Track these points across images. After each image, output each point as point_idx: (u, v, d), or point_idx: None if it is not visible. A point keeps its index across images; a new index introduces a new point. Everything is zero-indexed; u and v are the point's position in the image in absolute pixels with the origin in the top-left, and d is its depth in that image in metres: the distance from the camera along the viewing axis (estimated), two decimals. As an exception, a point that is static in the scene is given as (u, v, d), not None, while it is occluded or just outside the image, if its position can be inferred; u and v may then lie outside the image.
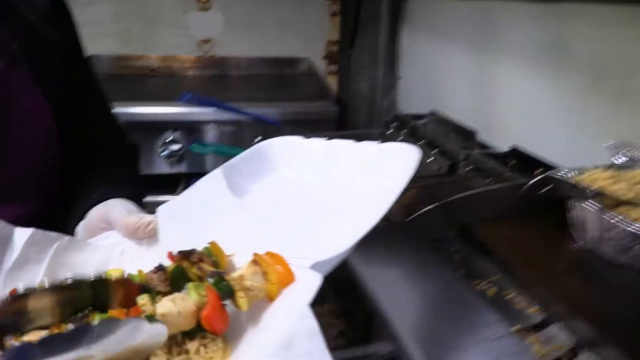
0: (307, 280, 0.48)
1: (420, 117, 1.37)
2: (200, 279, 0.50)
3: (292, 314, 0.43)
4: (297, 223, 0.66)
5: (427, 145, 1.22)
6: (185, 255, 0.51)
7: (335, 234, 0.60)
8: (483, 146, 1.21)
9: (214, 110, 1.74)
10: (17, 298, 0.42)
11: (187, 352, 0.46)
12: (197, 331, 0.47)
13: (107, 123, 0.86)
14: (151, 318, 0.44)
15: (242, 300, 0.47)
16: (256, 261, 0.50)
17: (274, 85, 2.23)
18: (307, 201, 0.72)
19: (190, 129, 1.76)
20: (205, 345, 0.47)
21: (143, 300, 0.46)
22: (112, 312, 0.44)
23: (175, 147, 1.73)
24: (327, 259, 0.52)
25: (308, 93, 2.14)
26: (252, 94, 2.04)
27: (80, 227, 0.65)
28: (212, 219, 0.61)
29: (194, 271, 0.49)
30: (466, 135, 1.19)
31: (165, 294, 0.49)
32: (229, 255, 0.56)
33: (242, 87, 2.17)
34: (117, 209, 0.64)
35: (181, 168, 1.79)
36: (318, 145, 0.79)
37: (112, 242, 0.62)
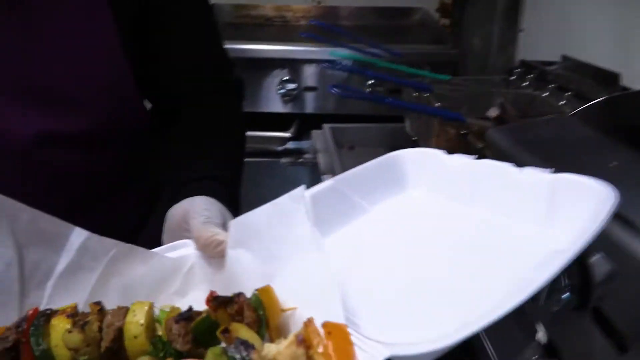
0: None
1: (549, 63, 1.31)
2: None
3: None
4: (415, 272, 0.48)
5: (558, 89, 1.17)
6: (223, 302, 0.38)
7: (460, 307, 0.40)
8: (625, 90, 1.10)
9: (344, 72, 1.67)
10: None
11: None
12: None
13: (211, 48, 0.76)
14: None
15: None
16: (302, 339, 0.34)
17: (385, 35, 2.05)
18: (440, 242, 0.54)
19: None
20: None
21: (143, 362, 0.35)
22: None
23: (291, 85, 1.71)
24: (421, 353, 0.34)
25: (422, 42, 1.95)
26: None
27: (168, 215, 0.58)
28: (297, 254, 0.46)
29: (221, 337, 0.36)
30: (607, 79, 1.10)
31: (180, 354, 0.37)
32: (286, 310, 0.41)
33: (354, 35, 2.04)
34: (198, 213, 0.54)
35: (295, 108, 1.76)
36: (465, 163, 0.59)
37: (182, 254, 0.53)
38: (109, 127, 0.64)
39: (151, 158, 0.75)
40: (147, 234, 0.73)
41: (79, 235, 0.48)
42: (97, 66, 0.63)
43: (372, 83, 1.64)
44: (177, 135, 0.72)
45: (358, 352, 0.34)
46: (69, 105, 0.62)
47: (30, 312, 0.40)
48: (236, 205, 0.64)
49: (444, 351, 0.34)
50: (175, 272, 0.51)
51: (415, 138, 1.28)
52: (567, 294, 0.52)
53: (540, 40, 1.72)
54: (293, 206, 0.45)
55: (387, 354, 0.33)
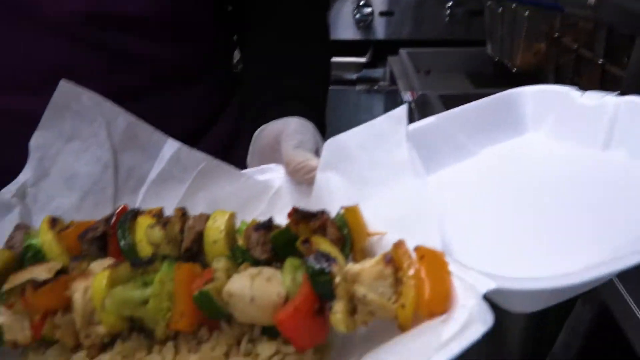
0: (465, 322, 0.25)
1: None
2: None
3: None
4: (525, 218, 0.42)
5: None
6: (305, 216, 0.35)
7: (578, 252, 0.34)
8: None
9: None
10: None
11: (256, 356, 0.31)
12: (278, 332, 0.32)
13: None
14: (205, 295, 0.30)
15: (337, 317, 0.28)
16: (391, 259, 0.30)
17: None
18: (557, 189, 0.47)
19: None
20: (284, 357, 0.31)
21: (219, 264, 0.33)
22: (180, 266, 0.32)
23: (367, 10, 1.65)
24: (527, 289, 0.28)
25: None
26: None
27: (256, 135, 0.56)
28: (392, 178, 0.41)
29: (301, 247, 0.33)
30: None
31: (258, 262, 0.34)
32: (373, 234, 0.37)
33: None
34: (291, 136, 0.51)
35: (370, 35, 1.69)
36: (600, 104, 0.50)
37: (270, 177, 0.50)
38: (167, 13, 0.59)
39: (221, 56, 0.71)
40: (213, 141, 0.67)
41: (171, 146, 0.47)
42: None
43: (450, 5, 1.53)
44: (262, 47, 0.67)
45: (456, 281, 0.28)
46: None
47: (120, 209, 0.40)
48: (323, 129, 0.60)
49: (565, 292, 0.28)
50: (261, 195, 0.49)
51: (497, 59, 1.17)
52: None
53: None
54: (392, 128, 0.40)
55: (494, 285, 0.27)
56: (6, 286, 0.34)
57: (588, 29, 0.83)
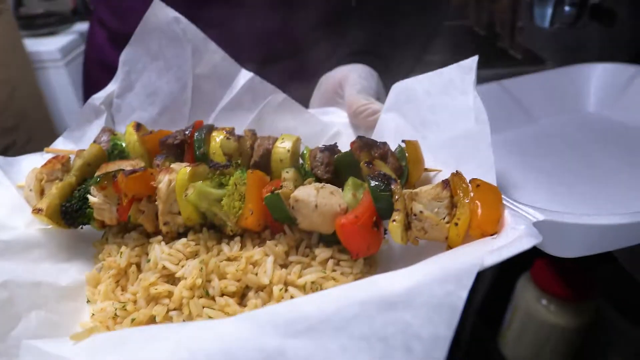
0: (515, 239, 0.27)
1: None
2: (369, 180, 0.35)
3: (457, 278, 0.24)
4: (579, 172, 0.44)
5: None
6: (366, 145, 0.37)
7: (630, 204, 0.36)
8: None
9: None
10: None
11: (314, 257, 0.34)
12: (336, 241, 0.35)
13: None
14: (276, 197, 0.33)
15: (394, 225, 0.31)
16: (448, 184, 0.32)
17: None
18: (613, 151, 0.48)
19: None
20: (338, 262, 0.34)
21: (288, 174, 0.36)
22: (249, 174, 0.36)
23: None
24: (575, 223, 0.30)
25: None
26: None
27: (322, 81, 0.58)
28: (454, 122, 0.43)
29: (363, 168, 0.35)
30: None
31: (320, 181, 0.37)
32: (430, 170, 0.39)
33: None
34: (355, 80, 0.53)
35: None
36: None
37: (331, 119, 0.53)
38: None
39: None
40: None
41: (245, 76, 0.51)
42: None
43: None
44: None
45: (508, 211, 0.30)
46: None
47: (196, 122, 0.44)
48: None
49: (607, 235, 0.29)
50: (321, 133, 0.52)
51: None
52: (568, 6, 0.64)
53: None
54: (460, 76, 0.42)
55: (542, 217, 0.29)
56: (100, 172, 0.38)
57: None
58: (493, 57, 0.99)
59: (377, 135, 0.47)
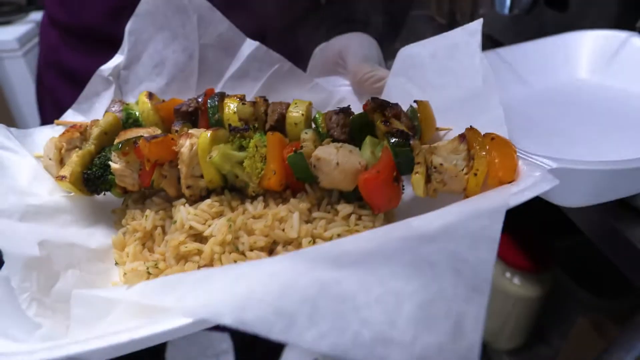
0: (533, 183, 0.29)
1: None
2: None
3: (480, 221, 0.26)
4: (580, 127, 0.46)
5: None
6: (380, 105, 0.39)
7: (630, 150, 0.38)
8: None
9: None
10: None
11: (336, 212, 0.36)
12: (356, 197, 0.36)
13: None
14: (299, 156, 0.35)
15: (417, 177, 0.32)
16: (464, 137, 0.34)
17: None
18: (610, 110, 0.50)
19: None
20: (360, 217, 0.36)
21: (307, 135, 0.37)
22: (269, 136, 0.37)
23: None
24: (583, 169, 0.32)
25: None
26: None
27: (317, 52, 0.59)
28: (462, 83, 0.44)
29: (381, 126, 0.37)
30: None
31: (338, 141, 0.38)
32: (441, 129, 0.40)
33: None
34: (356, 50, 0.54)
35: None
36: None
37: (335, 87, 0.54)
38: None
39: None
40: None
41: (250, 45, 0.51)
42: None
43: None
44: None
45: (522, 163, 0.32)
46: None
47: (207, 90, 0.44)
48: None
49: (617, 180, 0.31)
50: (327, 100, 0.53)
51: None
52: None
53: None
54: (465, 39, 0.43)
55: (555, 165, 0.31)
56: (118, 139, 0.38)
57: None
58: None
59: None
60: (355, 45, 0.55)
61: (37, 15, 1.62)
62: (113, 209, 0.41)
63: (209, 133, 0.36)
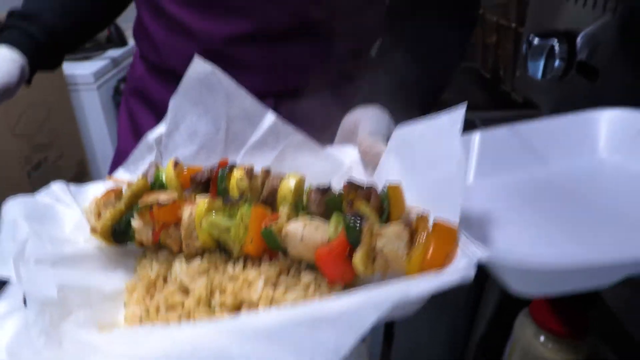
0: (451, 273, 0.33)
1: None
2: (351, 217, 0.42)
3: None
4: (571, 224, 0.47)
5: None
6: (355, 187, 0.44)
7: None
8: None
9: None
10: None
11: (299, 280, 0.41)
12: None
13: None
14: (269, 231, 0.41)
15: (356, 258, 0.37)
16: (410, 224, 0.38)
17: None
18: (618, 204, 0.51)
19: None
20: (319, 285, 0.41)
21: (284, 209, 0.43)
22: (255, 207, 0.44)
23: None
24: (512, 266, 0.34)
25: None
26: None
27: (339, 129, 0.65)
28: (438, 165, 0.48)
29: (345, 206, 0.42)
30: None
31: (315, 215, 0.44)
32: (409, 208, 0.44)
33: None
34: (367, 123, 0.60)
35: None
36: None
37: (345, 156, 0.60)
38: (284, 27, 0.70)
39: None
40: None
41: (269, 118, 0.59)
42: None
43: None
44: (389, 38, 0.74)
45: (459, 249, 0.36)
46: (243, 14, 0.70)
47: (221, 161, 0.52)
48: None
49: (555, 278, 0.33)
50: (336, 169, 0.59)
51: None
52: (558, 61, 0.73)
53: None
54: (449, 124, 0.47)
55: (486, 254, 0.34)
56: (140, 203, 0.48)
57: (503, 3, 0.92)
58: (497, 100, 1.02)
59: (377, 175, 0.53)
60: (366, 119, 0.61)
61: (114, 52, 1.87)
62: (137, 256, 0.50)
63: (205, 202, 0.44)
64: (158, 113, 0.80)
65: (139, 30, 0.83)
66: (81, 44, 0.87)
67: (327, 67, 0.76)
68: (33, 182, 1.48)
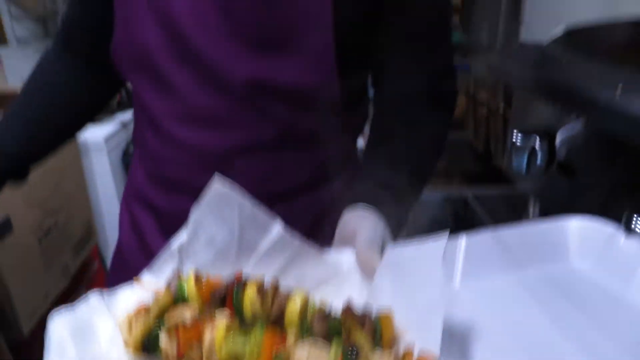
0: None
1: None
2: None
3: None
4: (547, 336, 0.54)
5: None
6: (352, 314, 0.51)
7: None
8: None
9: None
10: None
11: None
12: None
13: (442, 46, 0.75)
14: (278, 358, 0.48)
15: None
16: (397, 358, 0.45)
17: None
18: (586, 317, 0.57)
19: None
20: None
21: (291, 334, 0.50)
22: (267, 332, 0.51)
23: None
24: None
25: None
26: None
27: (337, 232, 0.73)
28: (422, 287, 0.54)
29: (344, 335, 0.49)
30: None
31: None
32: (399, 332, 0.52)
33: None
34: (365, 230, 0.67)
35: None
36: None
37: (346, 260, 0.67)
38: (311, 88, 0.73)
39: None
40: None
41: (278, 227, 0.67)
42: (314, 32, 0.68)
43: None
44: (376, 137, 0.80)
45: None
46: (282, 58, 0.70)
47: (236, 275, 0.60)
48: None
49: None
50: (337, 272, 0.66)
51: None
52: (539, 160, 0.82)
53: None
54: (433, 249, 0.54)
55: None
56: (167, 322, 0.55)
57: (492, 86, 1.02)
58: (489, 172, 1.09)
59: (372, 289, 0.60)
60: (362, 228, 0.68)
61: (122, 116, 1.95)
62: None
63: (224, 327, 0.51)
64: (158, 216, 0.88)
65: (138, 135, 0.90)
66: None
67: (316, 169, 0.84)
68: (43, 249, 1.50)
